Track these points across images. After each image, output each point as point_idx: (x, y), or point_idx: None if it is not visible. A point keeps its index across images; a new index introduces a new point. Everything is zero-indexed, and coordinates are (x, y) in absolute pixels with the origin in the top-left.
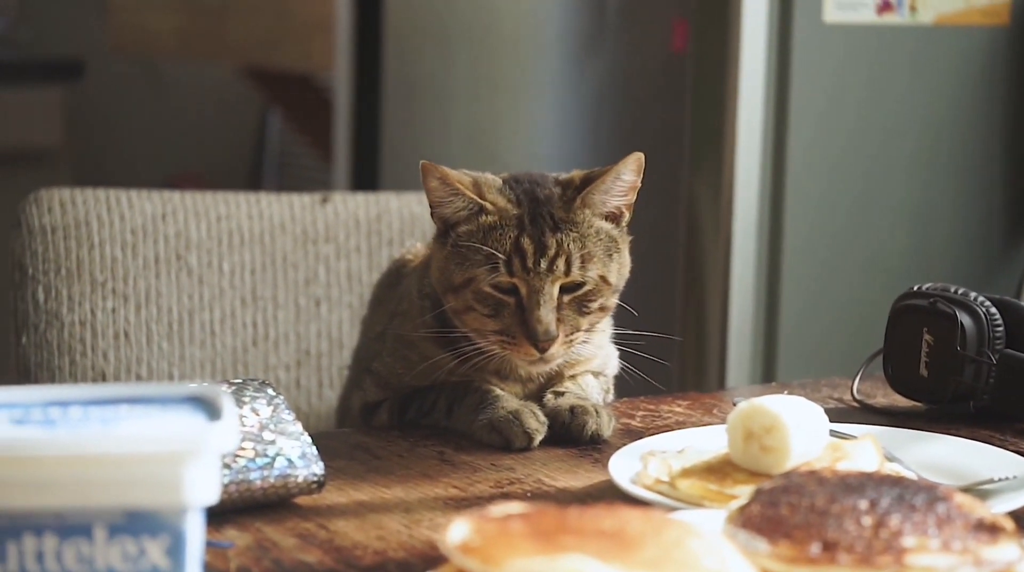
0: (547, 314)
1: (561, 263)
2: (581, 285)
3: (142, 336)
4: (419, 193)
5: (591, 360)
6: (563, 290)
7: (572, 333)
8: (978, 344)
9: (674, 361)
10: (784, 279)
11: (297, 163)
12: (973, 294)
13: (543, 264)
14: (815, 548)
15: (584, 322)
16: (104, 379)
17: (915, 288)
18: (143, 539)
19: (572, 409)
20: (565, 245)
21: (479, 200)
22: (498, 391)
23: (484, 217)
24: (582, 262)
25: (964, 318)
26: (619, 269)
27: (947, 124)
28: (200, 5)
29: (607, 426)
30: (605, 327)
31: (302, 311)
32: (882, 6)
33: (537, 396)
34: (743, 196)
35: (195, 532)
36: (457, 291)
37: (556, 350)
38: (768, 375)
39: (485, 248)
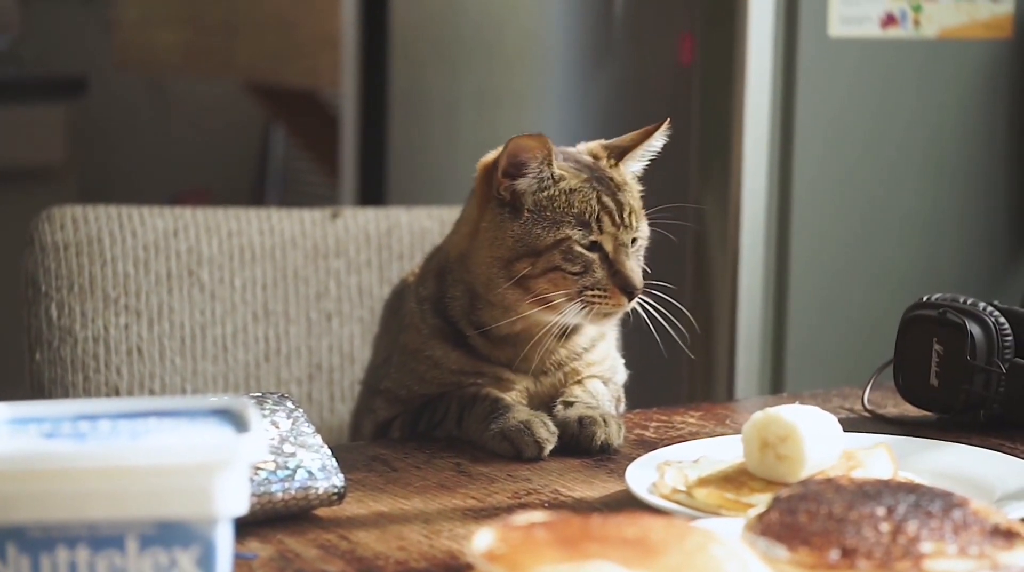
0: (635, 265)
1: (634, 219)
2: (636, 239)
3: (155, 352)
4: (428, 207)
5: (601, 363)
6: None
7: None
8: (988, 354)
9: (683, 372)
10: (792, 290)
11: (301, 179)
12: (982, 304)
13: (626, 219)
14: (834, 554)
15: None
16: (118, 395)
17: (924, 298)
18: (175, 550)
19: (581, 420)
20: (630, 202)
21: (553, 169)
22: (509, 400)
23: (563, 182)
24: (641, 218)
25: (973, 328)
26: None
27: (952, 136)
28: (205, 22)
29: (616, 435)
30: (611, 334)
31: (313, 326)
32: (886, 20)
33: (547, 397)
34: (750, 207)
35: (225, 542)
36: (540, 254)
37: (636, 300)
38: (776, 386)
39: (575, 208)
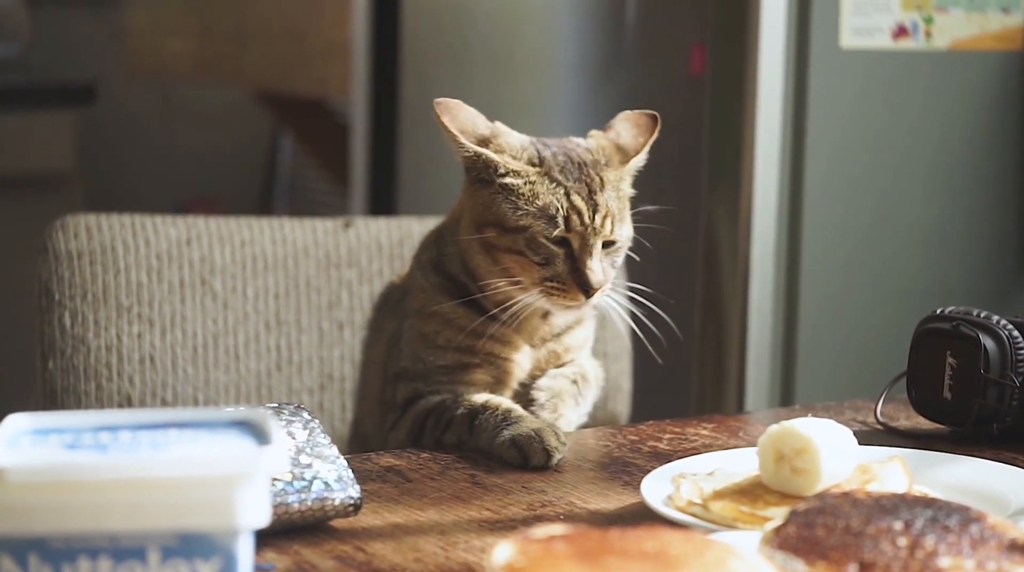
0: (597, 265)
1: (608, 223)
2: (613, 243)
3: (167, 361)
4: (440, 217)
5: (580, 348)
6: (602, 246)
7: (606, 283)
8: (1001, 367)
9: (692, 383)
10: (802, 301)
11: (309, 187)
12: (996, 317)
13: (597, 221)
14: (852, 569)
15: (611, 275)
16: (130, 404)
17: (938, 311)
18: (196, 561)
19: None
20: (609, 206)
21: (478, 149)
22: (520, 410)
23: (528, 173)
24: (620, 223)
25: (987, 341)
26: (630, 228)
27: (962, 147)
28: (215, 30)
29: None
30: (590, 324)
31: (325, 335)
32: (898, 32)
33: (540, 369)
34: (761, 218)
35: (246, 554)
36: (508, 232)
37: (596, 298)
38: (787, 398)
39: (539, 202)
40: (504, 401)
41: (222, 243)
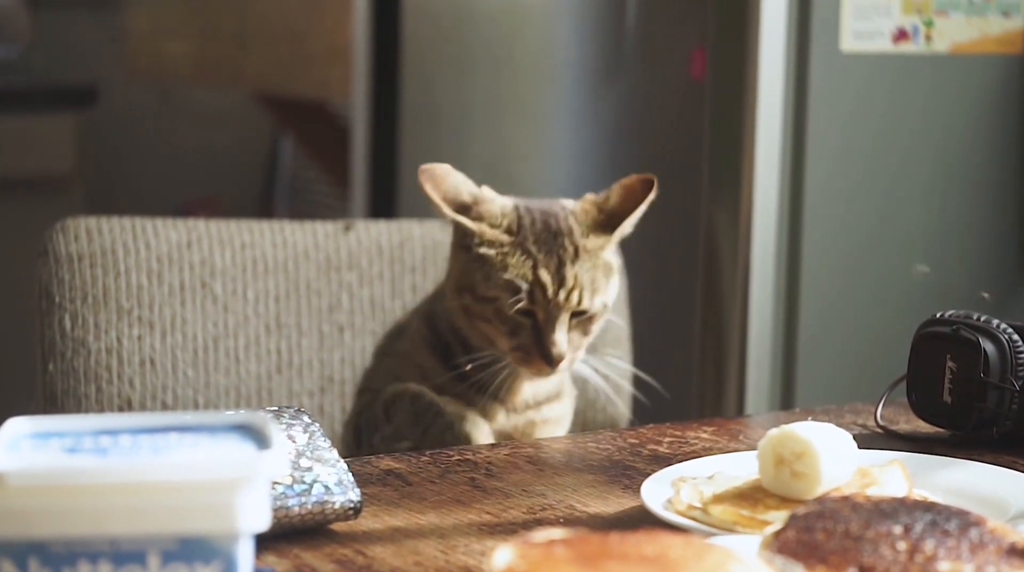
0: (561, 337)
1: (576, 295)
2: (583, 313)
3: (167, 363)
4: (441, 220)
5: (556, 423)
6: (572, 315)
7: (576, 352)
8: (1001, 371)
9: (693, 387)
10: (802, 305)
11: (310, 189)
12: (995, 321)
13: (562, 295)
14: None
15: (585, 342)
16: (130, 406)
17: (938, 315)
18: (196, 566)
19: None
20: (580, 278)
21: (457, 218)
22: (429, 393)
23: (502, 243)
24: (592, 294)
25: (987, 345)
26: (614, 292)
27: (963, 151)
28: (215, 32)
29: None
30: (569, 402)
31: (326, 338)
32: (898, 35)
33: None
34: (761, 222)
35: (246, 558)
36: (480, 300)
37: (564, 366)
38: (787, 401)
39: (507, 274)
40: (412, 386)
41: (222, 246)
